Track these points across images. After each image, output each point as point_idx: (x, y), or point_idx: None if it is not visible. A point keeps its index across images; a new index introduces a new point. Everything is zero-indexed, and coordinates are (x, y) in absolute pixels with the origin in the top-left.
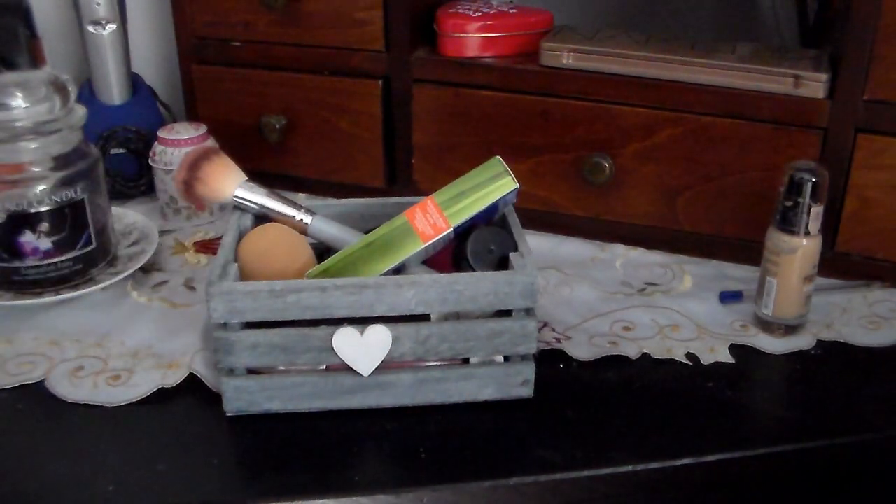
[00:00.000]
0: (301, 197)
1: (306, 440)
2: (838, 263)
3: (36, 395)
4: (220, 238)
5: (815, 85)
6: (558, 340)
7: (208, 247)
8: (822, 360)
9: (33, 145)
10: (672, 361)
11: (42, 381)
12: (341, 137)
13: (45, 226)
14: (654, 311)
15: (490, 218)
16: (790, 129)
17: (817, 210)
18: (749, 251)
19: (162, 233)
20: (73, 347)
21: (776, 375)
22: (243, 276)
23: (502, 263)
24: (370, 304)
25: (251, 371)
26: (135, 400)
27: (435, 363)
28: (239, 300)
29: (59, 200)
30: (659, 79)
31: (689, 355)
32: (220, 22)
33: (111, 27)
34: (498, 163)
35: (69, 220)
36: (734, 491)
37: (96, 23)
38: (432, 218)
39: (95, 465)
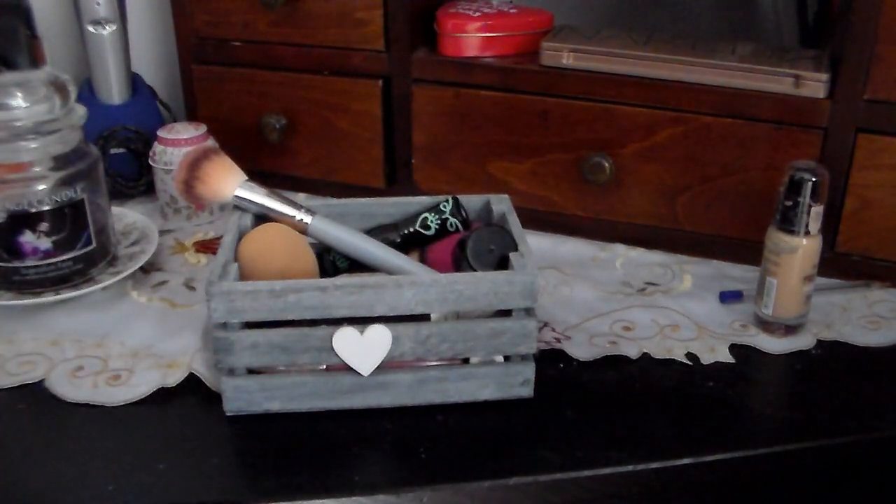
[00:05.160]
0: (301, 197)
1: (306, 440)
2: (838, 263)
3: (36, 395)
4: (220, 238)
5: (815, 85)
6: (558, 340)
7: (208, 247)
8: (822, 360)
9: (33, 145)
10: (672, 361)
11: (42, 381)
12: (341, 137)
13: (45, 226)
14: (654, 310)
15: None
16: (790, 129)
17: (817, 210)
18: (749, 251)
19: (162, 233)
20: (73, 347)
21: (776, 375)
22: (243, 276)
23: (502, 263)
24: (370, 304)
25: (251, 371)
26: (135, 400)
27: (435, 363)
28: (239, 300)
29: (59, 200)
30: (659, 79)
31: (689, 355)
32: (220, 22)
33: (111, 27)
34: None
35: (69, 220)
36: (734, 491)
37: (96, 23)
38: None
39: (95, 465)
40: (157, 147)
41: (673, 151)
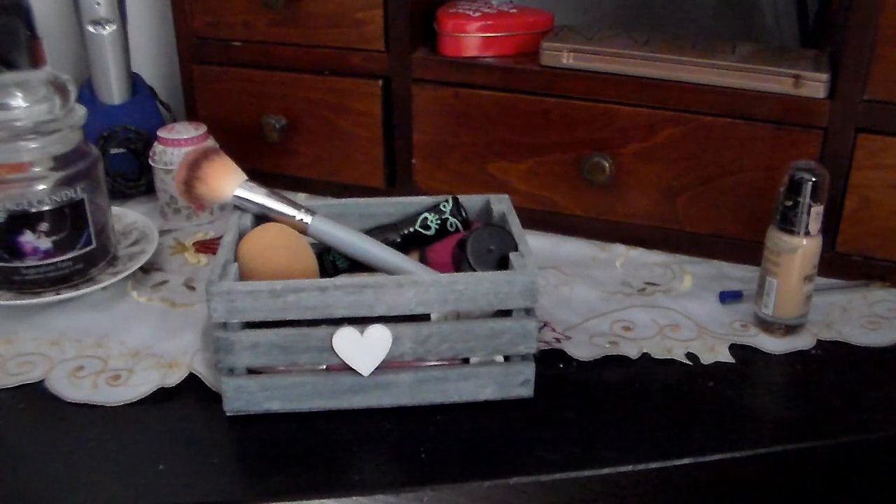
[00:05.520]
0: (301, 197)
1: (306, 440)
2: (838, 263)
3: (36, 395)
4: (220, 238)
5: (815, 85)
6: (558, 340)
7: (208, 247)
8: (822, 360)
9: (33, 145)
10: (672, 361)
11: (42, 381)
12: (341, 137)
13: (45, 226)
14: (654, 310)
15: None
16: (790, 129)
17: (817, 210)
18: (749, 251)
19: (162, 233)
20: (73, 347)
21: (776, 375)
22: (243, 275)
23: (502, 263)
24: (370, 304)
25: (251, 371)
26: (135, 400)
27: (435, 363)
28: (239, 300)
29: (59, 200)
30: (659, 79)
31: (690, 355)
32: (220, 22)
33: (111, 27)
34: None
35: (69, 220)
36: (734, 491)
37: (96, 23)
38: None
39: (95, 465)
40: (157, 147)
41: (673, 151)
